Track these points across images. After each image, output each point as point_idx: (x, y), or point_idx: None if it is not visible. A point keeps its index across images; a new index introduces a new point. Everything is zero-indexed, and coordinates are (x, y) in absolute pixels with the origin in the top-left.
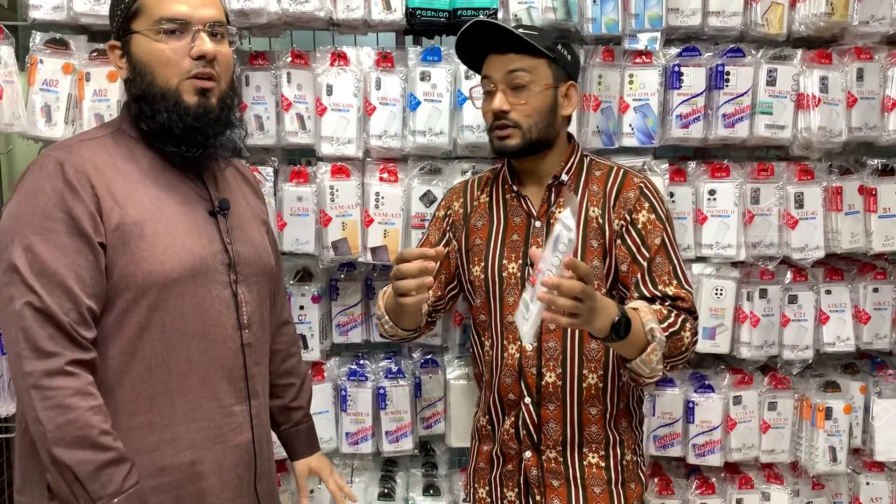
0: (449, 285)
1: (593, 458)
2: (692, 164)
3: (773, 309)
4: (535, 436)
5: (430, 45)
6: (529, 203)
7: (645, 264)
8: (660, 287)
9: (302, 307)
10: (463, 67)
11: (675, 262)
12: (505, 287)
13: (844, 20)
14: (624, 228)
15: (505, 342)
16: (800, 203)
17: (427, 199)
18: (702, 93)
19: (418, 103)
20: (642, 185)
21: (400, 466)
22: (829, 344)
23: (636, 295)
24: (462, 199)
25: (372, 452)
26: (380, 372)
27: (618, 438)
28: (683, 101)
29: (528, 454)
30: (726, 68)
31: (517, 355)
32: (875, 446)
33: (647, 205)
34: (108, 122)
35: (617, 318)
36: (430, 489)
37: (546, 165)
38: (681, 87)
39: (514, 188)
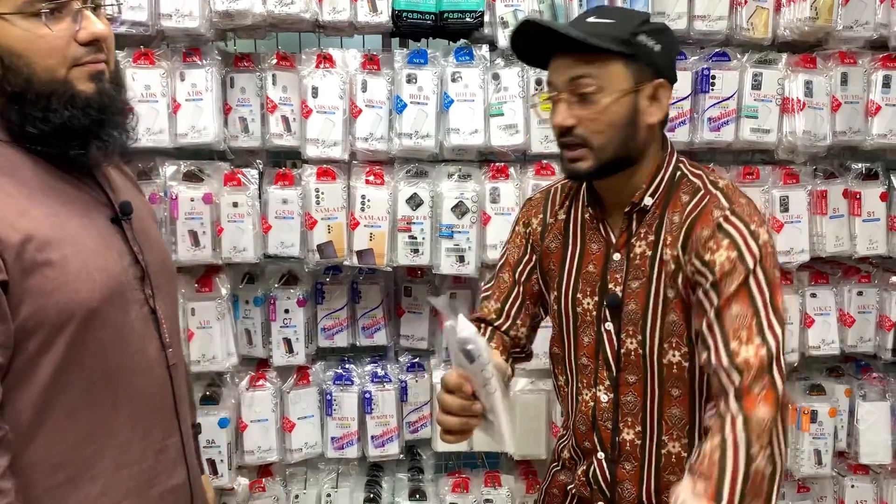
0: (534, 318)
1: None
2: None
3: None
4: (607, 493)
5: (417, 47)
6: (609, 230)
7: (716, 325)
8: (732, 349)
9: (287, 311)
10: (450, 69)
11: (762, 308)
12: (580, 324)
13: (829, 25)
14: (700, 277)
15: (579, 385)
16: (785, 207)
17: (413, 201)
18: (687, 96)
19: (404, 106)
20: (721, 218)
21: (386, 471)
22: (814, 347)
23: (704, 364)
24: (541, 216)
25: (357, 457)
26: (366, 376)
27: None
28: (670, 105)
29: None
30: (712, 72)
31: (591, 404)
32: (860, 449)
33: (725, 241)
34: None
35: None
36: (417, 494)
37: (631, 184)
38: None
39: (591, 210)
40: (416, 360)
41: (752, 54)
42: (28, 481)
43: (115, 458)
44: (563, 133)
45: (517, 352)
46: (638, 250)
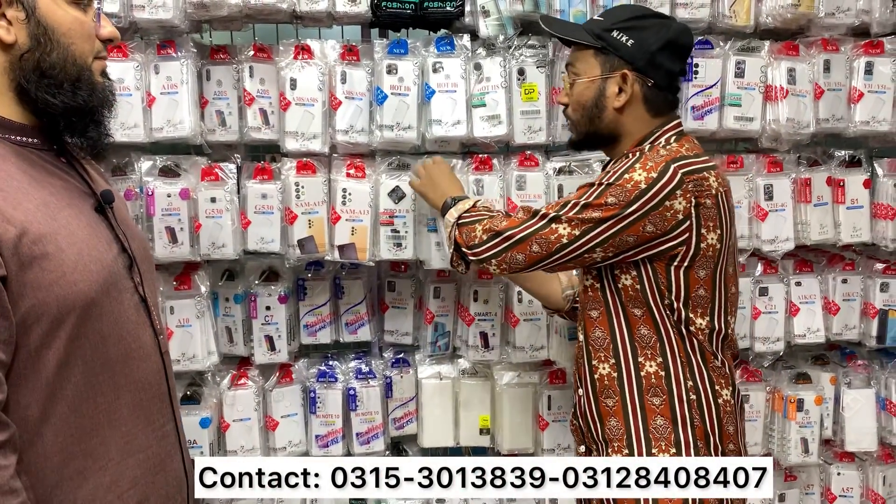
0: None
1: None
2: None
3: (743, 301)
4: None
5: (397, 37)
6: None
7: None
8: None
9: (268, 307)
10: (431, 60)
11: (576, 198)
12: None
13: (811, 12)
14: None
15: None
16: (769, 195)
17: (396, 195)
18: None
19: (385, 97)
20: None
21: None
22: (799, 335)
23: None
24: None
25: (342, 455)
26: (350, 372)
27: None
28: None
29: None
30: (695, 60)
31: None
32: (846, 437)
33: (621, 161)
34: None
35: (450, 199)
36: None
37: (615, 155)
38: None
39: None
40: (401, 355)
41: (735, 42)
42: (38, 475)
43: (121, 448)
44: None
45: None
46: None
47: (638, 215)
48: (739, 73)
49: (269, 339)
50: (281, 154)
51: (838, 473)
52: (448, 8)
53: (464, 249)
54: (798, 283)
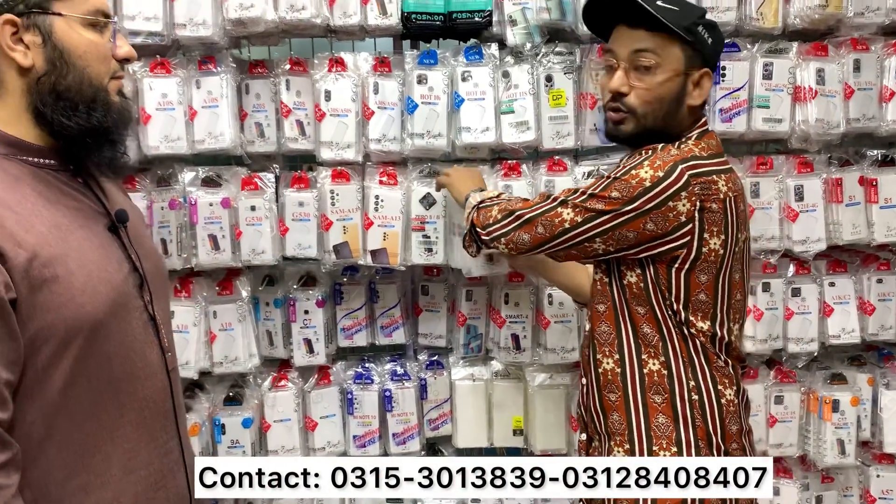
0: None
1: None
2: None
3: (776, 302)
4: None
5: (427, 48)
6: None
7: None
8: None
9: (307, 311)
10: (460, 69)
11: (593, 184)
12: None
13: (839, 12)
14: None
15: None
16: (800, 196)
17: (427, 201)
18: None
19: (416, 106)
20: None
21: None
22: (834, 336)
23: None
24: None
25: (379, 455)
26: (385, 374)
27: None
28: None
29: None
30: (722, 63)
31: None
32: (884, 438)
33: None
34: None
35: (475, 189)
36: None
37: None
38: None
39: None
40: (436, 357)
41: (763, 44)
42: (42, 491)
43: (123, 464)
44: (614, 98)
45: None
46: None
47: (639, 212)
48: (767, 75)
49: (308, 342)
50: (317, 163)
51: (877, 475)
52: (476, 18)
53: (478, 230)
54: (832, 284)
